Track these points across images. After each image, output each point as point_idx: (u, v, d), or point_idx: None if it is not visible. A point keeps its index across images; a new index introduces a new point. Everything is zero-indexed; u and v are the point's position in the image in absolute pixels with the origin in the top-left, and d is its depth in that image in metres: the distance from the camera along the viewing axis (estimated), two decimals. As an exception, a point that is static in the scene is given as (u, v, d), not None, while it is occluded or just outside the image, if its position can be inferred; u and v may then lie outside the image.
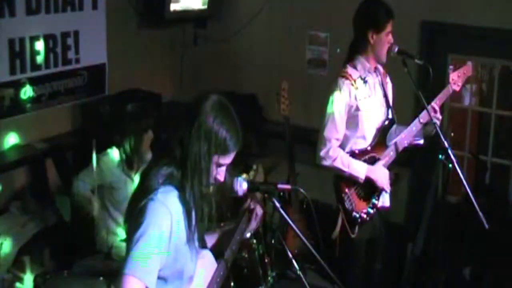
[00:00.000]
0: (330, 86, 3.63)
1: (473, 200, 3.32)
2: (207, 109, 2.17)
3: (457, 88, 3.74)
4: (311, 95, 5.37)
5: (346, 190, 3.62)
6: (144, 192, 2.16)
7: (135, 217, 2.14)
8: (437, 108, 3.63)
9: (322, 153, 3.58)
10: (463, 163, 4.89)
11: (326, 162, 3.58)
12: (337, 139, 3.60)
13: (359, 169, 3.59)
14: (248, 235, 2.65)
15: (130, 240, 2.12)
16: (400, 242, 4.52)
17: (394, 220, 4.53)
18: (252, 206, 2.60)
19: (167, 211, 2.13)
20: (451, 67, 3.76)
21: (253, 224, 2.63)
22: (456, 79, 3.72)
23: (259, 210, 2.60)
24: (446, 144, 3.48)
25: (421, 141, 3.76)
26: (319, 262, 2.54)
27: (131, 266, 2.07)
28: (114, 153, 4.00)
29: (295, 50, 5.52)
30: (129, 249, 2.11)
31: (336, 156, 3.56)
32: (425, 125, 3.67)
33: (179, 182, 2.17)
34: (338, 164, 3.56)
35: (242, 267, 3.63)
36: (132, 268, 2.06)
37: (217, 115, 2.17)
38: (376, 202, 3.67)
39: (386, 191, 3.69)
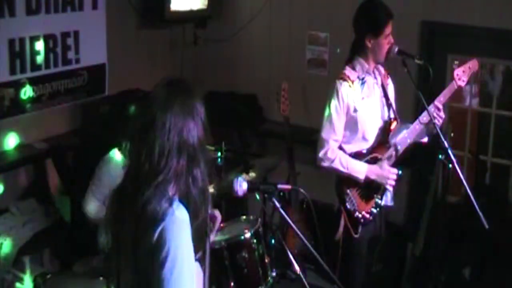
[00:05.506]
0: (329, 88, 3.62)
1: (473, 200, 3.31)
2: (173, 98, 2.10)
3: (463, 84, 3.64)
4: (311, 95, 5.37)
5: (347, 190, 3.62)
6: (155, 213, 2.04)
7: (155, 240, 2.02)
8: (440, 106, 3.57)
9: (320, 155, 3.60)
10: (463, 163, 4.89)
11: (325, 164, 3.60)
12: (335, 140, 3.61)
13: (359, 169, 3.59)
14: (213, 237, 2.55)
15: (157, 268, 2.00)
16: (400, 242, 4.51)
17: (394, 220, 4.53)
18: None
19: (187, 227, 2.07)
20: (456, 62, 3.68)
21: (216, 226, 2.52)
22: (461, 74, 3.62)
23: (217, 214, 2.47)
24: (446, 144, 3.48)
25: (425, 139, 3.75)
26: (319, 262, 2.55)
27: None
28: (116, 155, 3.99)
29: (295, 50, 5.52)
30: (161, 279, 1.99)
31: (334, 157, 3.57)
32: (427, 123, 3.64)
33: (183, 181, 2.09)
34: (336, 165, 3.57)
35: (242, 267, 3.62)
36: None
37: (183, 96, 2.12)
38: (379, 201, 3.67)
39: (389, 190, 3.69)
